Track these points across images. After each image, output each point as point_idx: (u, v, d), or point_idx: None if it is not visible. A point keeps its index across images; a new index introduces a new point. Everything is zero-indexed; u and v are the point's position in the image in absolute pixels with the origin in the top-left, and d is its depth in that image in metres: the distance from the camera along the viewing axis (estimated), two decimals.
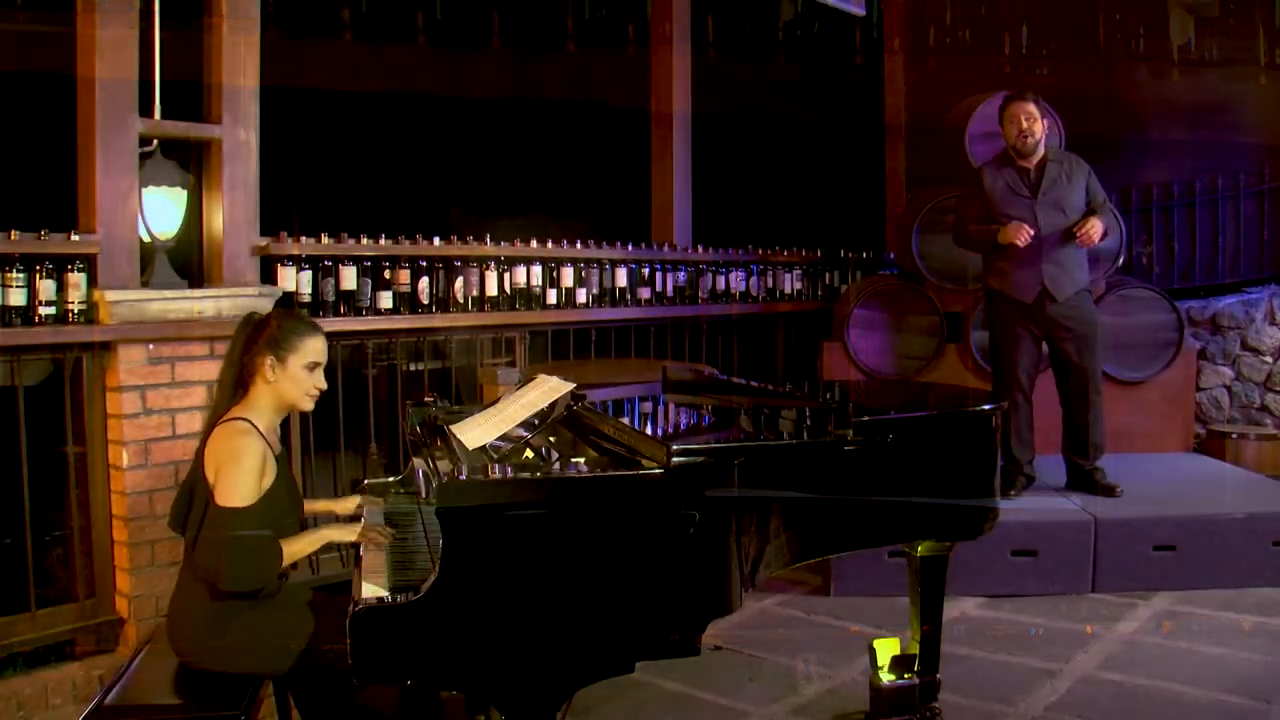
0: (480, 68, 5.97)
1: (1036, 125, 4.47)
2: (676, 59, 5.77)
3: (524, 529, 2.02)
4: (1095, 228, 4.38)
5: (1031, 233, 4.40)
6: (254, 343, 2.50)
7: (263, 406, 2.49)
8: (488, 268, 4.63)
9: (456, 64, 5.84)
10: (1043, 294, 4.48)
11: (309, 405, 2.57)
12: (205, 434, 2.48)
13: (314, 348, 2.53)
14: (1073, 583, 4.20)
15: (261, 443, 2.42)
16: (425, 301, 4.40)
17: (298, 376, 2.50)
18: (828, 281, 6.37)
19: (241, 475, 2.33)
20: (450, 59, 5.82)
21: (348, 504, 2.85)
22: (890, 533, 2.72)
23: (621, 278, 5.23)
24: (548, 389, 2.66)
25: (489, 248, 4.65)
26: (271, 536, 2.35)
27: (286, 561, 2.39)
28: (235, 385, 2.52)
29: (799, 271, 6.20)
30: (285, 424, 3.91)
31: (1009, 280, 4.53)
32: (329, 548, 2.88)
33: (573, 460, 2.34)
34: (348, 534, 2.51)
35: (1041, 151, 4.53)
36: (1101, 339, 4.68)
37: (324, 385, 2.57)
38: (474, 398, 4.41)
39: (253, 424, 2.43)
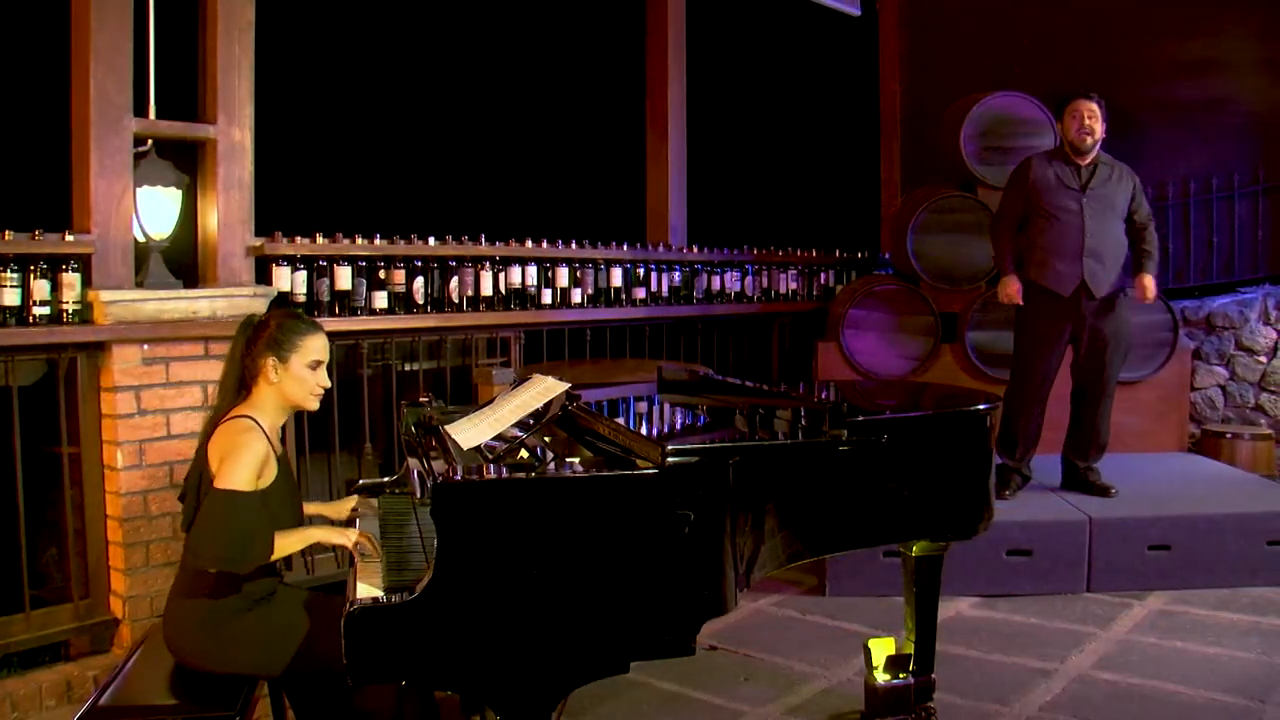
0: (476, 66, 5.97)
1: (1097, 124, 4.48)
2: (672, 59, 5.77)
3: (519, 529, 2.02)
4: (1151, 288, 4.48)
5: (1018, 287, 4.55)
6: (254, 344, 2.50)
7: (267, 407, 2.50)
8: (483, 267, 4.62)
9: (453, 62, 5.85)
10: (1081, 288, 4.48)
11: (314, 405, 2.57)
12: (207, 433, 2.47)
13: (315, 346, 2.53)
14: (1068, 582, 4.21)
15: (264, 441, 2.42)
16: (420, 301, 4.39)
17: (301, 376, 2.50)
18: (823, 281, 6.38)
19: (241, 464, 2.34)
20: (446, 57, 5.82)
21: (343, 507, 2.84)
22: (885, 533, 2.72)
23: (616, 278, 5.23)
24: (543, 389, 2.66)
25: (484, 247, 4.64)
26: (266, 522, 2.36)
27: (276, 554, 2.38)
28: (238, 387, 2.52)
29: (794, 271, 6.21)
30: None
31: (1048, 272, 4.53)
32: (325, 547, 2.87)
33: (568, 460, 2.34)
34: (336, 537, 2.52)
35: (1095, 152, 4.55)
36: (1128, 343, 4.69)
37: (328, 383, 2.58)
38: (469, 398, 4.41)
39: (257, 422, 2.44)
